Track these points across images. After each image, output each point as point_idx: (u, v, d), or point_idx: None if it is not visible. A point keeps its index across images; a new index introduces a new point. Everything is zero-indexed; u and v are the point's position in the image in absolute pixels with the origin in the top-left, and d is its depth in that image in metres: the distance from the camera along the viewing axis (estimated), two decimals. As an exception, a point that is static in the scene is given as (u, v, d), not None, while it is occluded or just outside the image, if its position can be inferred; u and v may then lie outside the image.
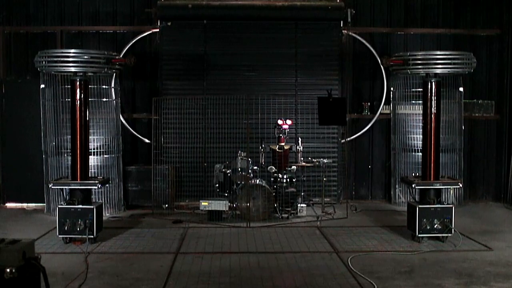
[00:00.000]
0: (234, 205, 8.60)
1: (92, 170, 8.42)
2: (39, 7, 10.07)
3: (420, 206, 7.11)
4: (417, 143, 9.55)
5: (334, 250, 6.86)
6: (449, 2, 10.43)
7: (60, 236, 7.05)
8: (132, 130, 10.10)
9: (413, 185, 7.26)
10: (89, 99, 7.64)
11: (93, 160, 8.66)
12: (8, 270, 3.32)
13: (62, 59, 7.11)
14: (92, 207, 7.05)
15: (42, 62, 7.21)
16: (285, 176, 8.72)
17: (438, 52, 7.43)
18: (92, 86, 8.62)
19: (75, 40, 10.03)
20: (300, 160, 8.96)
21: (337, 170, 10.10)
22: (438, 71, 7.25)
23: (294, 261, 6.43)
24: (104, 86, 9.11)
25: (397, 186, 9.96)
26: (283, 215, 8.67)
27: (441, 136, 7.62)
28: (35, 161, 9.40)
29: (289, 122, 8.92)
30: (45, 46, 9.47)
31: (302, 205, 8.73)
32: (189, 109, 9.79)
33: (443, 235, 7.13)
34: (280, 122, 8.89)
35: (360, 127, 10.35)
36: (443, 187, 7.39)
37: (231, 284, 5.60)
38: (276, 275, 5.91)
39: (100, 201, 8.33)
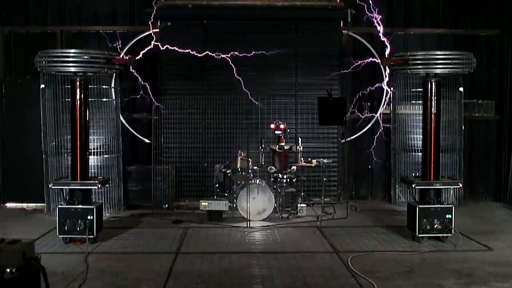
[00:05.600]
0: (234, 205, 8.60)
1: (92, 170, 8.43)
2: (39, 7, 10.08)
3: (420, 206, 7.11)
4: (417, 143, 9.54)
5: (334, 250, 6.86)
6: (449, 2, 10.43)
7: (60, 236, 7.05)
8: (132, 130, 10.10)
9: (413, 185, 7.25)
10: (89, 99, 7.63)
11: (93, 160, 8.67)
12: (8, 270, 3.33)
13: (62, 59, 7.10)
14: (92, 207, 7.04)
15: (42, 62, 7.20)
16: (285, 176, 8.72)
17: (438, 52, 7.41)
18: (92, 86, 8.62)
19: (75, 40, 10.03)
20: (300, 160, 8.95)
21: (337, 170, 10.10)
22: (438, 71, 7.24)
23: (294, 261, 6.43)
24: (104, 86, 9.11)
25: (397, 186, 9.95)
26: (283, 215, 8.68)
27: (441, 136, 7.61)
28: (35, 161, 9.38)
29: (282, 126, 8.66)
30: (45, 46, 9.42)
31: (302, 205, 8.74)
32: (189, 109, 9.80)
33: (443, 235, 7.13)
34: (272, 126, 8.72)
35: (360, 127, 10.35)
36: (443, 187, 7.39)
37: (231, 284, 5.60)
38: (276, 275, 5.91)
39: (100, 201, 8.33)
